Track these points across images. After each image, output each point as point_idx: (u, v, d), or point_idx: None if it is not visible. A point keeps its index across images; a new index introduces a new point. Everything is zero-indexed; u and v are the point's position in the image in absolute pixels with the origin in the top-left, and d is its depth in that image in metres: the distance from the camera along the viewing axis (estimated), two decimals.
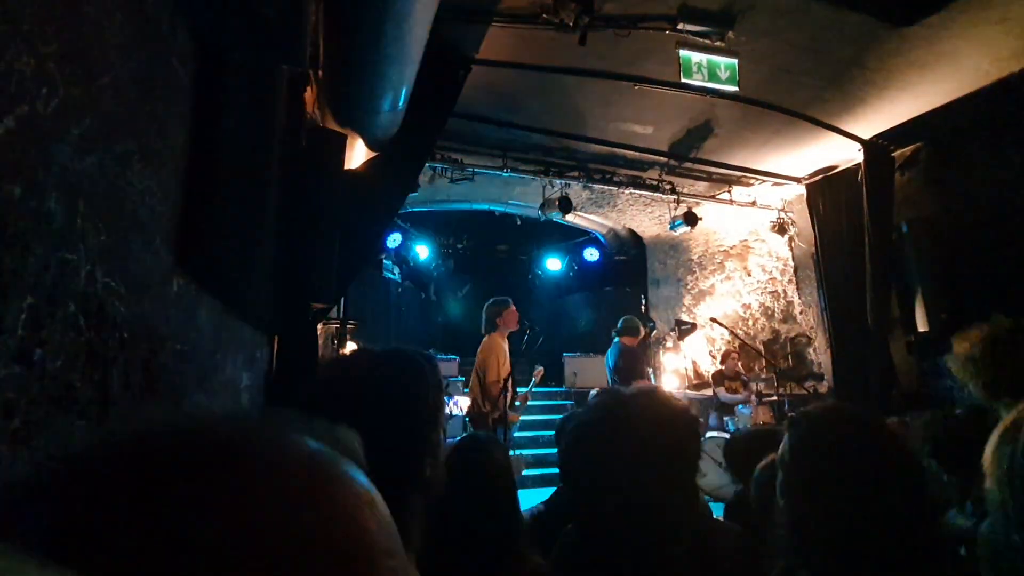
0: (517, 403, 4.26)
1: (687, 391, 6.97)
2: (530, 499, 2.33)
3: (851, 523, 0.77)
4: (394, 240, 8.17)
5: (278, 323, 2.84)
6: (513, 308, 4.28)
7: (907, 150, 5.15)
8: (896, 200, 5.21)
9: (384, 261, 8.17)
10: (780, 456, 0.90)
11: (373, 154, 3.84)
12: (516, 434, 4.53)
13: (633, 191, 6.27)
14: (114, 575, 0.21)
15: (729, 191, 6.49)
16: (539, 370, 4.60)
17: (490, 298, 4.41)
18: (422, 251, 9.20)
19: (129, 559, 0.22)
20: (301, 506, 0.25)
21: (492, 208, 7.66)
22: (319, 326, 4.22)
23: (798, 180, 6.20)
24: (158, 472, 0.24)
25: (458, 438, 1.49)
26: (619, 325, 5.20)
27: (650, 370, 7.12)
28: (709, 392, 6.35)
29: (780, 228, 6.67)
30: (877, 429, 0.86)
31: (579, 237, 9.85)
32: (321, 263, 2.97)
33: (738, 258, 7.50)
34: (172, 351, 1.32)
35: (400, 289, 8.84)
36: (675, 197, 6.35)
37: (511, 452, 4.21)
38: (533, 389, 4.53)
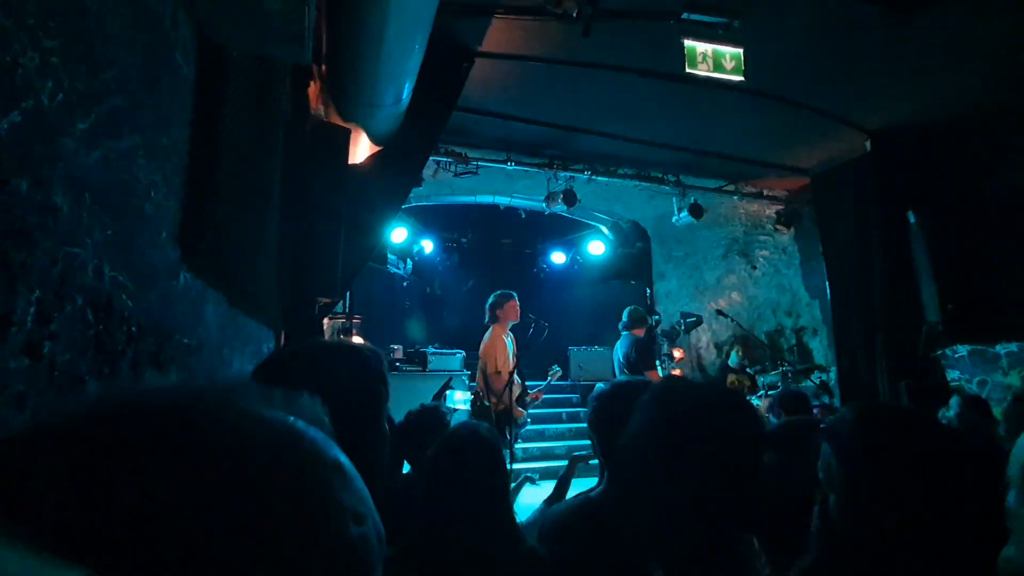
0: (527, 398, 4.27)
1: None
2: (537, 495, 2.32)
3: (930, 534, 0.71)
4: (399, 234, 8.18)
5: (284, 318, 2.86)
6: (514, 301, 4.29)
7: (915, 140, 5.09)
8: (904, 190, 5.16)
9: (388, 255, 8.18)
10: (830, 460, 0.82)
11: (377, 148, 3.83)
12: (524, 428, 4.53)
13: (638, 184, 6.24)
14: (79, 548, 0.22)
15: (735, 183, 6.44)
16: (556, 371, 4.59)
17: (496, 291, 4.43)
18: (427, 246, 9.19)
19: (94, 528, 0.22)
20: (267, 476, 0.26)
21: (497, 202, 7.64)
22: (325, 320, 4.24)
23: (805, 171, 6.15)
24: (128, 446, 0.25)
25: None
26: (625, 318, 5.18)
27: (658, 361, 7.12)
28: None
29: (787, 220, 6.62)
30: (953, 435, 0.81)
31: (584, 230, 9.82)
32: (326, 258, 2.97)
33: (744, 251, 7.46)
34: (180, 345, 1.33)
35: (405, 283, 8.85)
36: (681, 189, 6.31)
37: (514, 451, 4.21)
38: (549, 385, 4.54)
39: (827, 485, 0.81)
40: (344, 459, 0.30)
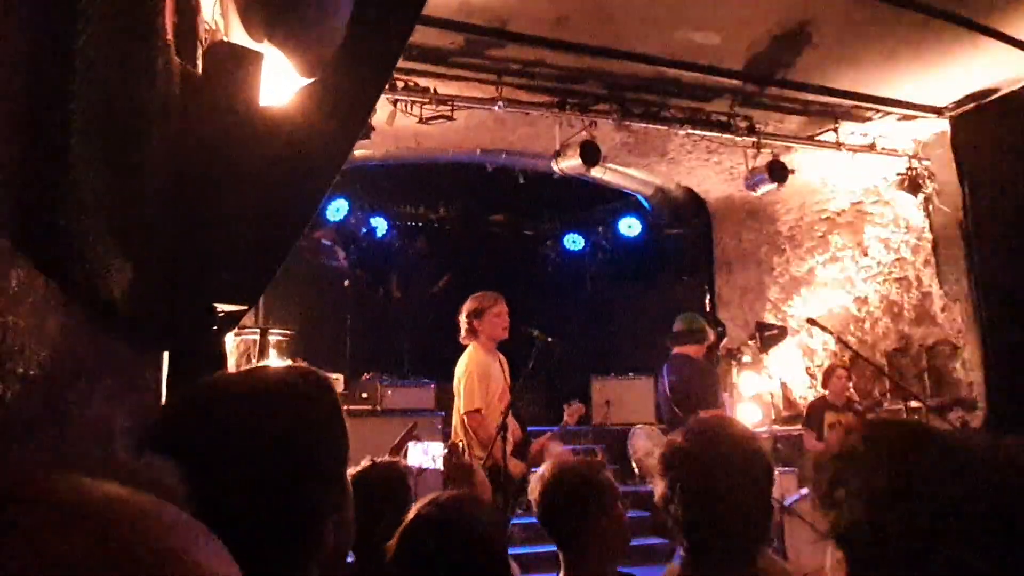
0: (530, 449, 4.30)
1: (774, 427, 6.99)
2: None
3: None
4: (337, 210, 8.18)
5: (169, 335, 2.84)
6: (500, 307, 4.42)
7: None
8: None
9: (323, 241, 8.18)
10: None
11: (305, 82, 3.83)
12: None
13: (692, 131, 6.27)
14: None
15: (835, 130, 6.47)
16: (576, 406, 4.68)
17: (476, 293, 4.52)
18: (379, 226, 9.20)
19: None
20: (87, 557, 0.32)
21: (483, 160, 7.65)
22: (229, 337, 4.23)
23: (938, 111, 6.18)
24: None
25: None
26: (674, 328, 5.19)
27: (725, 395, 7.14)
28: (803, 428, 6.36)
29: (911, 184, 6.66)
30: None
31: (611, 202, 9.84)
32: (230, 245, 2.96)
33: (849, 229, 7.49)
34: (10, 376, 1.33)
35: (347, 282, 8.85)
36: (755, 139, 6.34)
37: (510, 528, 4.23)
38: (564, 430, 4.64)
39: None
40: (196, 531, 0.36)
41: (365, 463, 2.33)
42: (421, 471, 4.93)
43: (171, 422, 0.89)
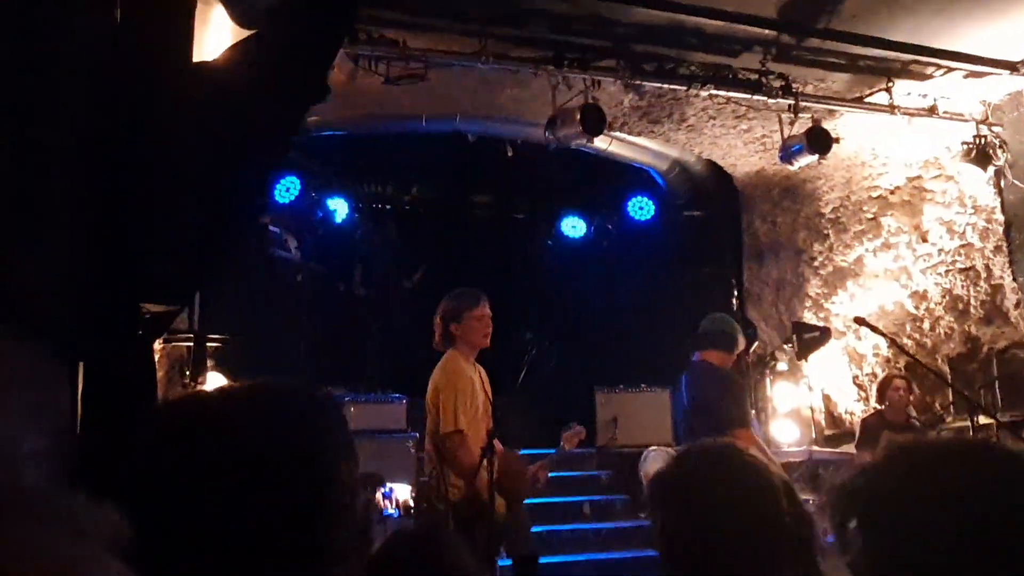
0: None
1: (814, 448, 7.01)
2: None
3: None
4: (287, 190, 8.13)
5: (85, 342, 2.82)
6: (481, 308, 4.48)
7: None
8: None
9: (270, 228, 8.14)
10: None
11: (246, 33, 3.80)
12: None
13: (715, 92, 6.26)
14: None
15: (888, 90, 6.47)
16: (575, 430, 4.74)
17: (455, 290, 4.55)
18: (338, 209, 9.17)
19: None
20: None
21: (463, 129, 7.63)
22: (157, 345, 4.21)
23: (1012, 67, 6.19)
24: None
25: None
26: (700, 331, 5.21)
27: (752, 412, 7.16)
28: (856, 451, 6.39)
29: (980, 155, 6.67)
30: None
31: (619, 180, 9.81)
32: (158, 232, 2.94)
33: (904, 210, 7.51)
34: None
35: (300, 276, 8.82)
36: (791, 102, 6.33)
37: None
38: (561, 455, 4.71)
39: None
40: None
41: None
42: (380, 516, 4.94)
43: (140, 453, 0.93)
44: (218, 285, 5.49)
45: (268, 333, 8.13)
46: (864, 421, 6.60)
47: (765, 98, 6.31)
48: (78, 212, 2.74)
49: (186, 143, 2.99)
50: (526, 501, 4.76)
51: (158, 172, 2.90)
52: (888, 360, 7.20)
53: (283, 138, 4.04)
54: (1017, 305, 6.82)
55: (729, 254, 8.88)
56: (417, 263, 10.43)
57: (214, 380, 4.96)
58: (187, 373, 4.60)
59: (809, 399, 7.83)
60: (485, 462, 3.96)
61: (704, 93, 6.28)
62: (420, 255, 10.45)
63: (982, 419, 5.66)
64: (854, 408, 7.66)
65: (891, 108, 6.48)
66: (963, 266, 7.13)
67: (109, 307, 2.91)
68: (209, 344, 4.73)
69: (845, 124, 6.81)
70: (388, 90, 5.87)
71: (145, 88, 2.94)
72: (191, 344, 4.58)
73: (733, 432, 4.60)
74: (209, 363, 4.97)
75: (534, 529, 6.69)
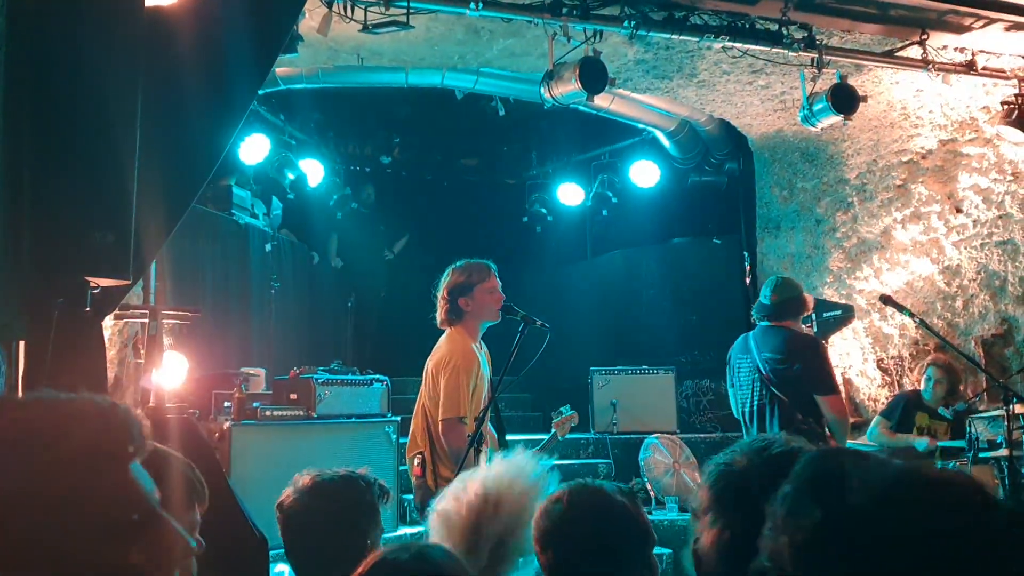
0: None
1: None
2: None
3: None
4: (255, 149, 8.04)
5: (23, 318, 2.76)
6: (492, 280, 4.50)
7: None
8: None
9: (235, 191, 8.07)
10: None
11: None
12: None
13: (730, 44, 6.20)
14: None
15: (922, 43, 6.41)
16: (569, 415, 4.78)
17: (457, 261, 4.55)
18: (312, 171, 9.11)
19: None
20: None
21: (450, 84, 7.59)
22: (108, 322, 4.14)
23: None
24: None
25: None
26: (767, 299, 5.38)
27: None
28: (893, 438, 6.46)
29: (1021, 116, 6.63)
30: None
31: (621, 140, 9.81)
32: (105, 194, 2.88)
33: (937, 177, 7.50)
34: None
35: (270, 246, 8.77)
36: (814, 55, 6.28)
37: None
38: (555, 441, 4.75)
39: None
40: None
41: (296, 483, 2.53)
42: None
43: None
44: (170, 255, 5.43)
45: (233, 308, 8.08)
46: (899, 395, 6.93)
47: (785, 51, 6.28)
48: (20, 176, 2.64)
49: (136, 99, 2.88)
50: None
51: (106, 129, 2.78)
52: (916, 342, 7.18)
53: (247, 90, 3.96)
54: None
55: (742, 224, 8.87)
56: (398, 232, 10.42)
57: (171, 360, 4.89)
58: (142, 353, 4.52)
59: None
60: (474, 447, 4.01)
61: (718, 45, 6.25)
62: (401, 223, 10.45)
63: (1017, 408, 5.66)
64: (877, 395, 7.68)
65: (925, 63, 6.45)
66: (1000, 239, 7.14)
67: (55, 282, 2.83)
68: (167, 321, 4.63)
69: (873, 81, 6.81)
70: (367, 39, 5.82)
71: (93, 34, 2.83)
72: (146, 321, 4.49)
73: (826, 400, 5.12)
74: (167, 342, 4.89)
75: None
